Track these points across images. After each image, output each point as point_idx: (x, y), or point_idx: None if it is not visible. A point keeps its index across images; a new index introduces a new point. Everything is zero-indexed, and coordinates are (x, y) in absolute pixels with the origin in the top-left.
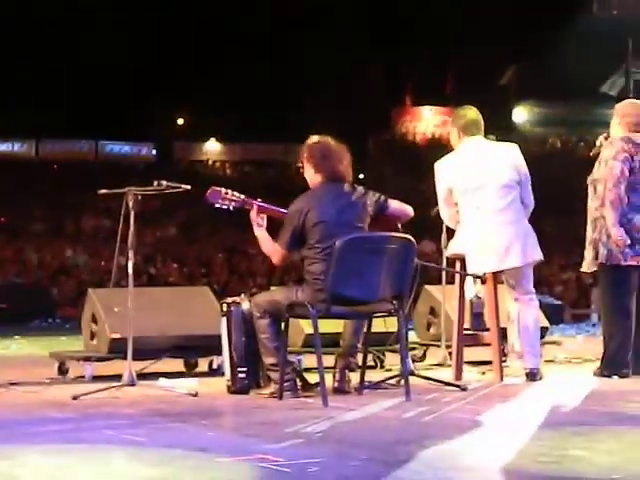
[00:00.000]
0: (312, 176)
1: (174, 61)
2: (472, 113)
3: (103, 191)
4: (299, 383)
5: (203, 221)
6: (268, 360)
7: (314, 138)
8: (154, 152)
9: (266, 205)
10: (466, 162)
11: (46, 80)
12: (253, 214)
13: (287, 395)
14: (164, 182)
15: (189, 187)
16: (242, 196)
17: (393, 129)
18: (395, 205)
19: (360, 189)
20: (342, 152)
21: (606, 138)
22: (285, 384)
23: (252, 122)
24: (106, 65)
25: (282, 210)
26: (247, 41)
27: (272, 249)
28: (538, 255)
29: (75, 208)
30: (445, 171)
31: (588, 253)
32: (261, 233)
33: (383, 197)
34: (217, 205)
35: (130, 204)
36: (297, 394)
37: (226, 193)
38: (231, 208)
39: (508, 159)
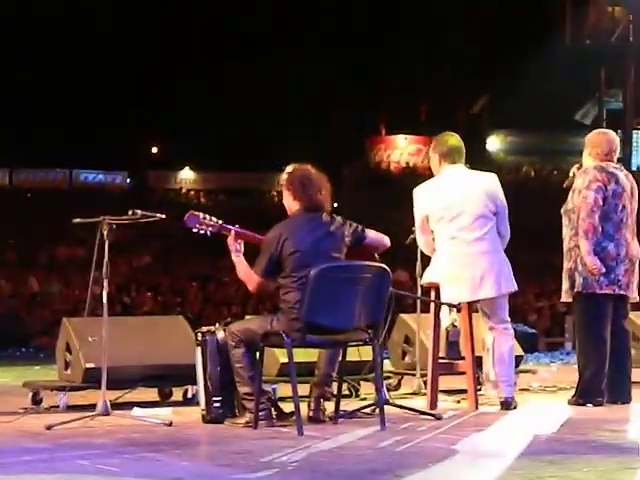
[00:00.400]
0: (291, 203)
1: (148, 90)
2: (454, 140)
3: (77, 220)
4: (274, 412)
5: (177, 250)
6: (243, 389)
7: (294, 166)
8: (128, 180)
9: (244, 231)
10: (444, 190)
11: (20, 109)
12: (230, 240)
13: (262, 424)
14: (139, 211)
15: (164, 216)
16: (220, 221)
17: (367, 158)
18: (372, 235)
19: (338, 219)
20: (321, 181)
21: (579, 168)
22: (260, 413)
23: (226, 151)
24: (80, 94)
25: (259, 236)
26: (219, 72)
27: (248, 276)
28: (512, 286)
29: (49, 237)
30: (423, 198)
31: (564, 283)
32: (238, 259)
33: (360, 227)
34: (194, 230)
35: (105, 233)
36: (272, 423)
37: (204, 218)
38: (208, 233)
39: (486, 189)
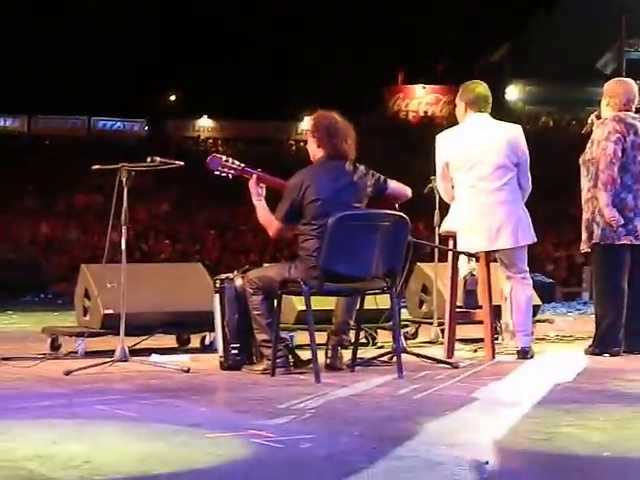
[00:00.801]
0: (315, 150)
1: (168, 38)
2: (481, 88)
3: (96, 167)
4: (291, 360)
5: (195, 198)
6: (261, 336)
7: (320, 113)
8: (146, 128)
9: (266, 175)
10: (466, 138)
11: (39, 56)
12: (252, 183)
13: (279, 371)
14: (157, 158)
15: (182, 163)
16: (242, 165)
17: (385, 108)
18: (394, 186)
19: (361, 169)
20: (347, 129)
21: (597, 117)
22: (277, 360)
23: (244, 99)
24: (100, 42)
25: (282, 181)
26: (241, 21)
27: (269, 221)
28: (531, 238)
29: (67, 184)
30: (445, 144)
31: (583, 233)
32: (260, 203)
33: (383, 178)
34: (216, 172)
35: (123, 180)
36: (289, 370)
37: (226, 161)
38: (230, 176)
39: (508, 139)
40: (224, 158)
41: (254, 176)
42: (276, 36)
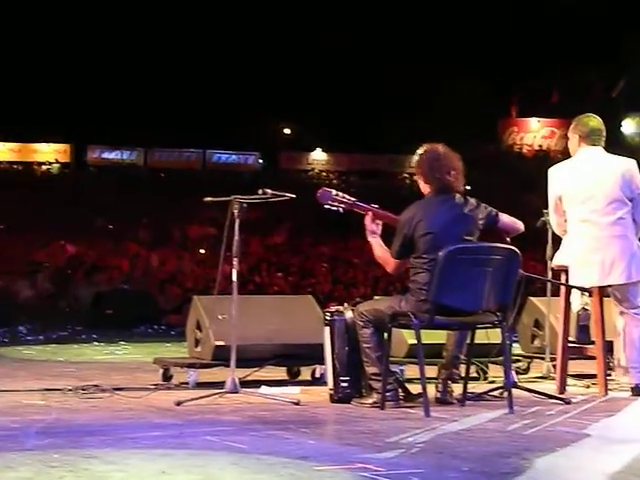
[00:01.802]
0: (422, 186)
1: (282, 72)
2: (595, 122)
3: (209, 199)
4: (401, 393)
5: (308, 231)
6: (371, 370)
7: (424, 147)
8: (260, 161)
9: (379, 211)
10: (579, 171)
11: (156, 91)
12: (368, 220)
13: (389, 405)
14: (269, 190)
15: (293, 196)
16: (353, 199)
17: (499, 141)
18: (505, 219)
19: (472, 201)
20: (451, 161)
21: None
22: (387, 394)
23: (357, 132)
24: (213, 76)
25: (395, 217)
26: (350, 52)
27: (386, 258)
28: None
29: (182, 216)
30: (557, 178)
31: None
32: (375, 240)
33: (495, 211)
34: (327, 206)
35: (235, 212)
36: (399, 404)
37: (337, 194)
38: (340, 210)
39: (623, 173)
40: (334, 192)
41: (369, 213)
42: (389, 70)
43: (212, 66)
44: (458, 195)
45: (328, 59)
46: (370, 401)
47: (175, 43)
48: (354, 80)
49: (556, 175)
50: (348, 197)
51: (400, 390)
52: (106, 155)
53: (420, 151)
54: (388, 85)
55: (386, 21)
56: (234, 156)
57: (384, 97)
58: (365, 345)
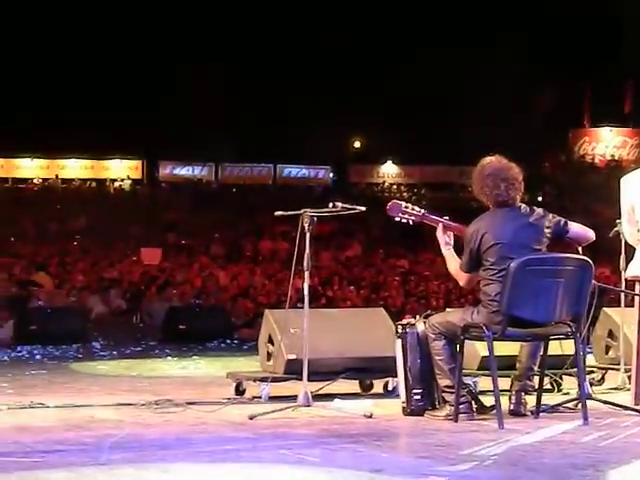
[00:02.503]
0: (483, 200)
1: (352, 85)
2: None
3: (279, 213)
4: (474, 405)
5: (380, 244)
6: (443, 382)
7: (482, 162)
8: (331, 175)
9: (450, 222)
10: None
11: (226, 106)
12: (439, 232)
13: (462, 417)
14: (339, 204)
15: (363, 208)
16: (422, 211)
17: (571, 150)
18: (575, 228)
19: (538, 211)
20: (508, 173)
21: None
22: (460, 406)
23: (429, 144)
24: (284, 90)
25: (465, 228)
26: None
27: (457, 271)
28: None
29: (253, 231)
30: (630, 186)
31: None
32: (449, 252)
33: (563, 220)
34: (397, 218)
35: (306, 226)
36: (472, 416)
37: (406, 207)
38: (410, 222)
39: None
40: (404, 205)
41: (440, 225)
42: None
43: (282, 80)
44: (523, 205)
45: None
46: (443, 414)
47: (242, 58)
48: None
49: (628, 184)
50: (418, 209)
51: (473, 402)
52: (177, 171)
53: (478, 165)
54: (467, 95)
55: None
56: (304, 170)
57: (458, 108)
58: (437, 357)
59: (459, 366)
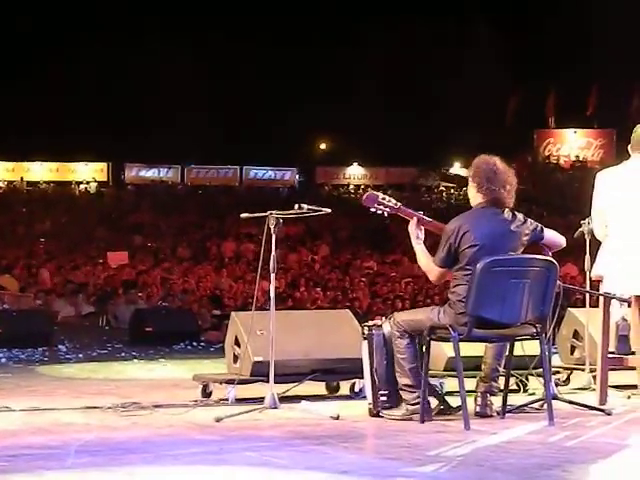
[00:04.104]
0: (474, 195)
1: (316, 86)
2: None
3: (245, 215)
4: (441, 406)
5: (346, 246)
6: (402, 380)
7: (481, 157)
8: (297, 177)
9: (425, 218)
10: (626, 177)
11: (192, 108)
12: (412, 225)
13: (417, 417)
14: (305, 206)
15: (329, 210)
16: (399, 204)
17: (536, 152)
18: (549, 235)
19: (519, 217)
20: (507, 176)
21: None
22: (416, 406)
23: (393, 146)
24: (250, 92)
25: (440, 225)
26: (390, 68)
27: (429, 266)
28: None
29: (219, 233)
30: (604, 187)
31: None
32: (420, 247)
33: (540, 227)
34: (372, 209)
35: (272, 228)
36: (430, 417)
37: (383, 198)
38: (385, 214)
39: None
40: (381, 196)
41: (414, 218)
42: (421, 82)
43: (248, 81)
44: (507, 210)
45: (360, 75)
46: (400, 413)
47: (215, 59)
48: (389, 95)
49: (602, 179)
50: (394, 201)
51: (438, 403)
52: (143, 173)
53: (478, 160)
54: (425, 99)
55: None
56: (271, 172)
57: (420, 111)
58: (400, 356)
59: (424, 366)
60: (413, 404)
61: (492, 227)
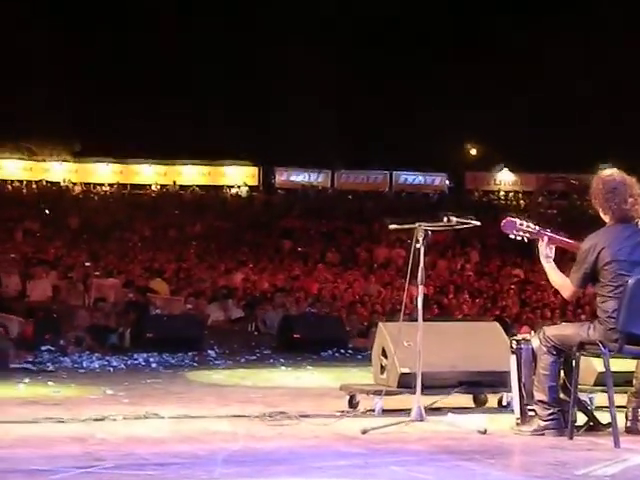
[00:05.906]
0: (602, 215)
1: (468, 89)
2: None
3: (393, 226)
4: (590, 423)
5: (496, 252)
6: (538, 396)
7: (599, 175)
8: (447, 182)
9: (556, 236)
10: None
11: (378, 112)
12: (542, 245)
13: (550, 433)
14: (453, 218)
15: (478, 223)
16: (537, 227)
17: None
18: None
19: None
20: (629, 188)
21: None
22: (550, 422)
23: (546, 151)
24: (401, 97)
25: (571, 242)
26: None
27: (562, 283)
28: None
29: (368, 238)
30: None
31: None
32: (549, 265)
33: None
34: (511, 235)
35: (420, 239)
36: (562, 433)
37: (521, 224)
38: (525, 239)
39: None
40: (518, 222)
41: (545, 238)
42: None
43: (398, 87)
44: (638, 221)
45: (515, 77)
46: (531, 429)
47: (361, 66)
48: (537, 97)
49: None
50: (532, 226)
51: (588, 419)
52: (294, 177)
53: (594, 182)
54: (579, 102)
55: None
56: (421, 177)
57: (574, 113)
58: (542, 371)
59: (573, 381)
60: (546, 420)
61: (626, 240)
